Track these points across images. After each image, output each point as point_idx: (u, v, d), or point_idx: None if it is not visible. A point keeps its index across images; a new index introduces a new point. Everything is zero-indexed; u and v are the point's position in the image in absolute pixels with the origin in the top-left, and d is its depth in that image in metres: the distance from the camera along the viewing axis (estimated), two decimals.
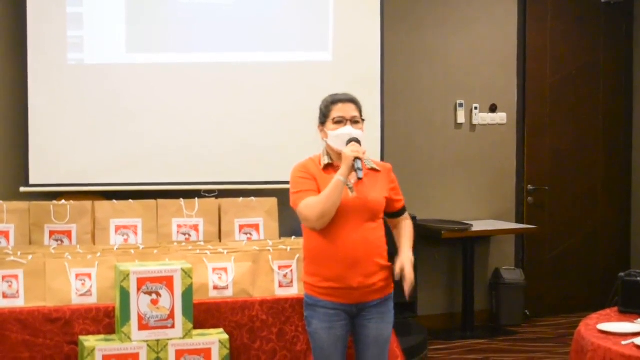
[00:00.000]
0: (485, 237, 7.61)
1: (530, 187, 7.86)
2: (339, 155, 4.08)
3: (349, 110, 4.09)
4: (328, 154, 4.17)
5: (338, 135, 4.06)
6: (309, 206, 4.03)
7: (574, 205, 8.06)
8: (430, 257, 7.42)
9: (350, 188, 4.01)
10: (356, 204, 4.02)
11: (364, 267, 4.05)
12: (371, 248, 4.07)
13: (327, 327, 4.12)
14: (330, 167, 4.13)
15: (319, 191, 4.05)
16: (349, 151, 3.95)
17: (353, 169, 3.96)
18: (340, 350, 4.15)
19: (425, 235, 7.04)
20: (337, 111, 4.09)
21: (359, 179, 3.96)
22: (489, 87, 7.65)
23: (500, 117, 7.70)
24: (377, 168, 4.17)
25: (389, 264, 4.18)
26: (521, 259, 7.91)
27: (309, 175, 4.12)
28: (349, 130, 4.05)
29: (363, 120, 4.15)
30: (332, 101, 4.13)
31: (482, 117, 7.64)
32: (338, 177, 3.97)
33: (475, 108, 7.60)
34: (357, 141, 4.02)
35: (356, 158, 3.93)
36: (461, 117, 7.57)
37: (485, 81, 7.64)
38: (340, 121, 4.08)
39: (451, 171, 7.58)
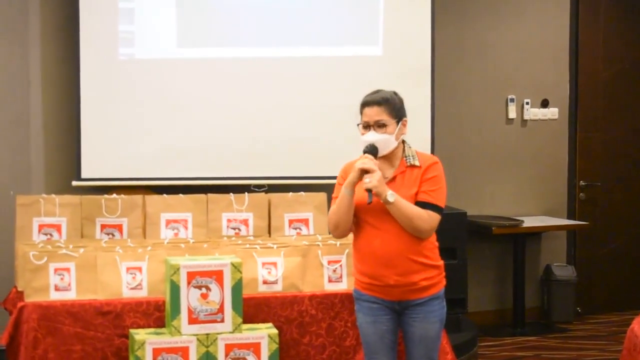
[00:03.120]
0: (536, 233, 7.54)
1: (582, 183, 7.77)
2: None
3: (372, 115, 4.02)
4: None
5: (362, 142, 4.04)
6: (328, 217, 4.11)
7: (627, 201, 7.96)
8: (480, 253, 7.37)
9: (369, 194, 3.89)
10: (381, 204, 3.94)
11: (399, 265, 3.98)
12: (406, 246, 3.98)
13: (372, 321, 4.11)
14: None
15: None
16: (359, 163, 3.92)
17: (359, 179, 3.93)
18: (387, 345, 4.12)
19: (476, 231, 7.00)
20: (364, 116, 4.06)
21: (368, 203, 3.88)
22: (540, 81, 7.58)
23: (552, 112, 7.62)
24: (418, 164, 4.08)
25: (437, 263, 4.10)
26: (573, 255, 7.83)
27: (340, 184, 4.11)
28: (368, 137, 4.01)
29: (400, 119, 4.06)
30: (361, 104, 4.09)
31: (534, 112, 7.56)
32: (343, 189, 3.98)
33: (527, 103, 7.54)
34: (374, 149, 3.97)
35: (368, 190, 3.87)
36: (512, 112, 7.50)
37: (537, 76, 7.57)
38: (366, 126, 4.05)
39: (502, 167, 7.52)
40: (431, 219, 3.97)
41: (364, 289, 4.12)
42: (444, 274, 4.15)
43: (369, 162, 3.92)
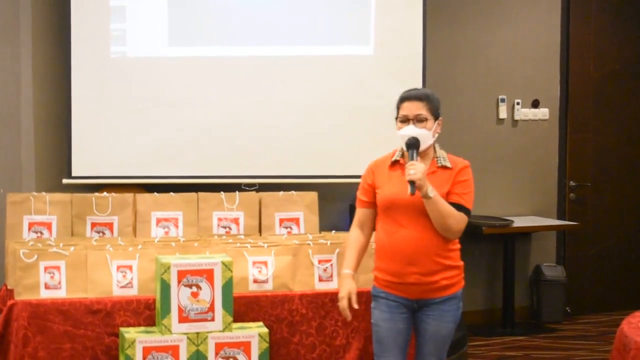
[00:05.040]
0: (526, 233, 7.56)
1: (572, 183, 7.79)
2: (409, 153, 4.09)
3: (413, 109, 4.07)
4: (401, 150, 4.16)
5: (401, 136, 4.07)
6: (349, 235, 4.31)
7: (617, 202, 7.98)
8: (470, 253, 7.34)
9: (412, 185, 3.92)
10: (414, 201, 3.98)
11: (421, 264, 4.01)
12: (433, 246, 4.02)
13: (388, 319, 4.11)
14: (397, 164, 4.13)
15: (372, 195, 4.16)
16: (408, 175, 3.91)
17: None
18: (399, 344, 4.12)
19: (466, 231, 6.85)
20: (403, 110, 4.09)
21: (411, 194, 3.91)
22: (531, 82, 7.59)
23: (542, 112, 7.63)
24: (449, 166, 4.11)
25: (457, 263, 4.13)
26: (562, 255, 7.84)
27: (366, 184, 4.20)
28: (408, 131, 4.04)
29: (437, 117, 4.11)
30: (401, 99, 4.14)
31: (524, 113, 7.58)
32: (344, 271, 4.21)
33: (517, 103, 7.55)
34: (416, 142, 4.01)
35: (411, 182, 3.90)
36: (503, 113, 7.52)
37: (528, 76, 7.58)
38: (404, 120, 4.08)
39: (492, 167, 7.53)
40: (462, 220, 4.06)
41: (383, 287, 4.13)
42: (463, 274, 4.18)
43: (417, 169, 3.90)
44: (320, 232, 5.33)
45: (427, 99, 4.10)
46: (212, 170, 6.23)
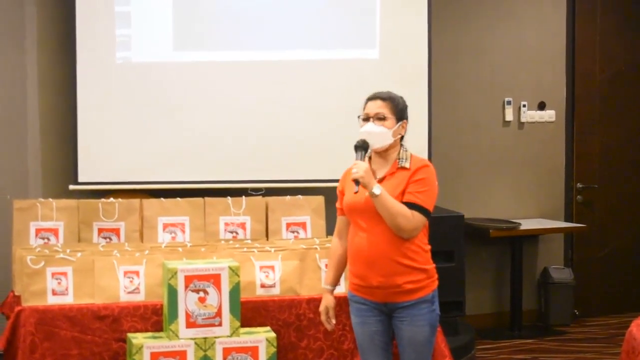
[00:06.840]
0: (533, 236, 7.54)
1: (579, 185, 7.77)
2: (374, 153, 4.12)
3: (373, 107, 4.08)
4: (369, 155, 4.17)
5: (360, 133, 4.08)
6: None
7: (624, 204, 7.95)
8: (478, 256, 7.37)
9: (356, 184, 3.94)
10: (371, 204, 3.96)
11: (383, 266, 3.99)
12: (391, 248, 3.98)
13: (361, 322, 4.13)
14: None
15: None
16: (351, 174, 3.98)
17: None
18: (377, 346, 4.12)
19: (473, 234, 7.00)
20: (365, 109, 4.11)
21: (355, 192, 3.95)
22: (537, 84, 7.58)
23: (548, 114, 7.62)
24: (407, 166, 4.07)
25: (425, 266, 4.05)
26: (570, 258, 7.82)
27: (339, 191, 4.24)
28: (366, 128, 4.06)
29: (401, 119, 4.09)
30: (366, 99, 4.15)
31: (531, 115, 7.56)
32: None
33: (524, 105, 7.53)
34: (364, 144, 4.03)
35: (355, 180, 3.93)
36: (509, 115, 7.50)
37: (534, 78, 7.56)
38: (365, 118, 4.10)
39: (499, 169, 7.52)
40: (415, 219, 3.97)
41: (354, 290, 4.15)
42: (434, 277, 4.11)
43: (359, 168, 3.94)
44: (327, 236, 5.31)
45: (390, 99, 4.10)
46: (218, 175, 6.23)
